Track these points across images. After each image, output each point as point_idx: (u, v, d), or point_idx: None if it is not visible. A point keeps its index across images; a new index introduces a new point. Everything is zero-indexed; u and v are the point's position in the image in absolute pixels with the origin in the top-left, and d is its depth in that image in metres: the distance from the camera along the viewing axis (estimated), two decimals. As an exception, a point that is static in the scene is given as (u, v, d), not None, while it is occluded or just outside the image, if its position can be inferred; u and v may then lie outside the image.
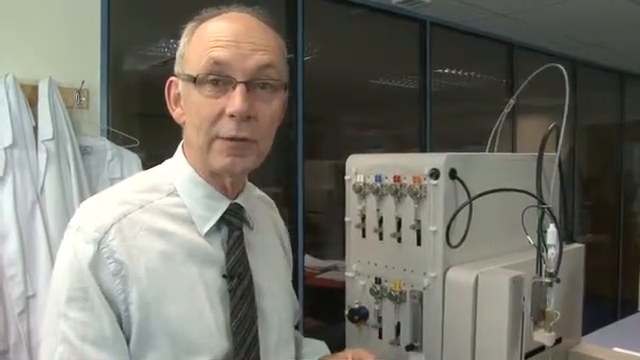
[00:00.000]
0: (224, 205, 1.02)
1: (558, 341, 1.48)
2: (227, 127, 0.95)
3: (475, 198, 1.21)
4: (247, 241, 1.05)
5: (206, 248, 0.99)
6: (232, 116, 0.94)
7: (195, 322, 0.96)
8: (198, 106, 0.95)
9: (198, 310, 0.96)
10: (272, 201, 1.21)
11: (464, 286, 1.23)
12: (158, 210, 0.97)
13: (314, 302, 3.27)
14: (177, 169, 1.03)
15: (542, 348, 1.30)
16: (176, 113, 1.02)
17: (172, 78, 1.01)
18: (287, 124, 3.08)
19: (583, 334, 2.37)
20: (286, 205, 3.16)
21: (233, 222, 1.03)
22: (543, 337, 1.19)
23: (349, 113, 3.97)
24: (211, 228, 1.00)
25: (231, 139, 0.95)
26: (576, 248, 1.56)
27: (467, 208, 1.26)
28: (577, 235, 5.18)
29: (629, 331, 2.22)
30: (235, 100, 0.93)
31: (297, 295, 3.04)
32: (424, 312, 1.32)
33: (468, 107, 4.43)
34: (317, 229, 3.70)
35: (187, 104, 0.98)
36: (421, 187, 1.30)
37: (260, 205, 1.14)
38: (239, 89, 0.94)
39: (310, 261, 3.47)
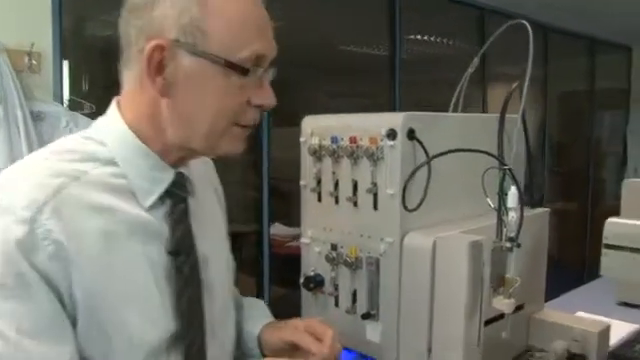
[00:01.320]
0: (169, 176, 0.95)
1: (520, 307, 1.44)
2: (251, 117, 0.93)
3: (433, 158, 1.15)
4: (191, 211, 0.99)
5: (149, 223, 0.92)
6: (260, 107, 0.91)
7: (141, 303, 0.90)
8: (223, 93, 0.89)
9: (144, 290, 0.90)
10: (208, 158, 1.15)
11: (421, 252, 1.18)
12: (95, 182, 0.89)
13: (283, 270, 3.23)
14: (114, 134, 0.93)
15: (502, 315, 1.25)
16: (157, 84, 0.88)
17: (159, 42, 0.86)
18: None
19: (550, 299, 2.37)
20: (254, 173, 3.10)
21: (177, 194, 0.96)
22: (502, 304, 1.14)
23: (320, 81, 3.89)
24: (155, 201, 0.93)
25: (249, 126, 0.93)
26: (540, 212, 1.52)
27: (425, 170, 1.20)
28: (547, 202, 5.21)
29: (593, 295, 2.20)
30: (269, 94, 0.92)
31: (262, 264, 3.01)
32: (381, 280, 1.27)
33: (440, 75, 4.37)
34: (288, 197, 3.65)
35: (198, 85, 0.88)
36: (378, 148, 1.23)
37: (197, 165, 1.06)
38: (267, 81, 0.92)
39: (280, 229, 3.43)
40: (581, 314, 2.03)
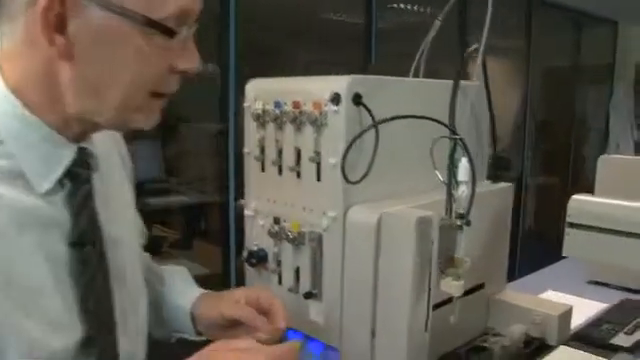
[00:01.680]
0: (69, 153, 0.80)
1: (479, 287, 1.36)
2: (173, 84, 0.80)
3: (379, 124, 1.05)
4: (95, 190, 0.85)
5: (45, 210, 0.78)
6: (185, 72, 0.78)
7: (40, 307, 0.77)
8: (141, 58, 0.75)
9: (42, 292, 0.77)
10: None
11: (365, 228, 1.08)
12: None
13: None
14: None
15: (448, 300, 1.17)
16: (57, 44, 0.73)
17: None
18: (217, 62, 2.89)
19: (524, 275, 2.31)
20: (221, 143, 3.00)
21: (80, 174, 0.82)
22: (450, 286, 1.05)
23: (298, 48, 3.76)
24: (52, 185, 0.79)
25: (167, 95, 0.79)
26: (503, 187, 1.42)
27: (372, 139, 1.09)
28: (528, 177, 5.15)
29: (565, 273, 2.15)
30: (195, 57, 0.78)
31: (228, 235, 2.88)
32: (324, 257, 1.17)
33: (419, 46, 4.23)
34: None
35: (111, 48, 0.74)
36: (321, 114, 1.12)
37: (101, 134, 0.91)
38: (192, 41, 0.79)
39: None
40: (550, 293, 1.98)
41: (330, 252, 1.15)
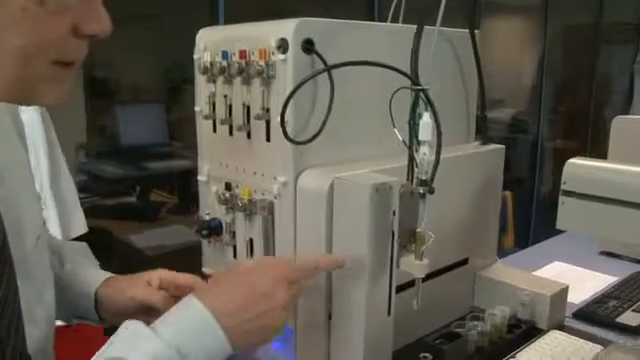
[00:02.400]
0: None
1: (464, 262, 1.21)
2: (81, 50, 0.65)
3: (331, 69, 0.88)
4: None
5: None
6: (92, 36, 0.63)
7: None
8: (34, 21, 0.61)
9: None
10: None
11: (316, 195, 0.93)
12: None
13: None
14: None
15: (428, 277, 1.02)
16: None
17: None
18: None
19: (536, 242, 2.15)
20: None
21: None
22: (412, 266, 0.90)
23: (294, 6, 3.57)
24: None
25: (75, 63, 0.65)
26: (493, 149, 1.26)
27: (327, 93, 0.94)
28: (546, 141, 4.94)
29: (575, 242, 1.99)
30: (103, 16, 0.63)
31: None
32: (276, 227, 1.02)
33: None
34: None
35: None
36: (268, 64, 0.96)
37: None
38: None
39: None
40: (556, 264, 1.84)
41: (282, 222, 1.01)
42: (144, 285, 0.96)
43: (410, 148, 0.86)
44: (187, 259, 1.24)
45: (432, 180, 0.85)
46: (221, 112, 1.09)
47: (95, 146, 4.07)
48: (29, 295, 0.80)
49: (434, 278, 1.13)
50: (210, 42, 1.10)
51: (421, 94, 0.83)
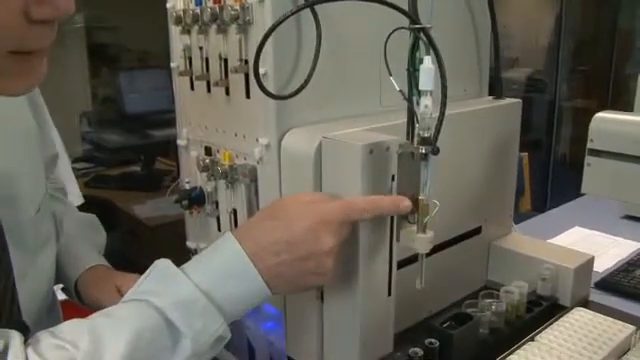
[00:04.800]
0: None
1: (477, 231, 1.08)
2: (36, 37, 0.54)
3: (310, 5, 0.74)
4: None
5: None
6: (48, 21, 0.53)
7: None
8: None
9: None
10: None
11: (302, 157, 0.80)
12: None
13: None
14: None
15: (434, 250, 0.89)
16: None
17: None
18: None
19: (554, 206, 2.02)
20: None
21: None
22: (413, 239, 0.76)
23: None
24: None
25: (37, 52, 0.55)
26: (508, 104, 1.11)
27: (312, 40, 0.80)
28: (563, 100, 4.76)
29: (596, 205, 1.85)
30: None
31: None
32: (260, 195, 0.90)
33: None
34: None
35: None
36: (244, 8, 0.82)
37: None
38: None
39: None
40: (577, 229, 1.72)
41: (267, 190, 0.88)
42: (111, 290, 0.92)
43: (409, 100, 0.72)
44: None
45: (436, 138, 0.71)
46: (197, 67, 0.96)
47: (99, 114, 3.97)
48: (23, 266, 0.77)
49: (443, 250, 1.00)
50: (183, -14, 0.96)
51: (421, 34, 0.68)
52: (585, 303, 1.07)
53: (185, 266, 0.68)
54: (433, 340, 0.81)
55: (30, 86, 0.58)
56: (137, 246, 2.69)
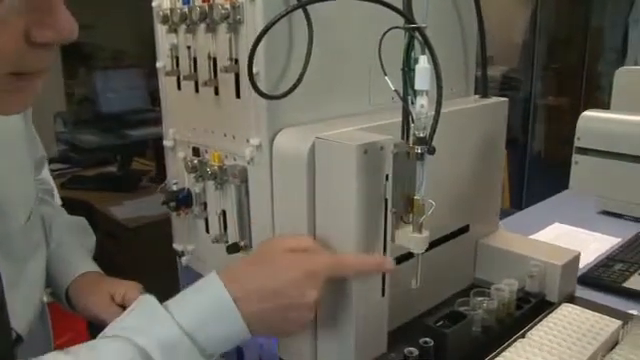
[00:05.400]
0: None
1: (464, 230, 1.08)
2: (36, 59, 0.52)
3: (303, 5, 0.74)
4: None
5: None
6: (49, 45, 0.51)
7: None
8: None
9: None
10: None
11: (295, 158, 0.79)
12: None
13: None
14: None
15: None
16: None
17: None
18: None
19: (530, 205, 2.04)
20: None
21: None
22: (409, 240, 0.76)
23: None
24: None
25: (34, 73, 0.53)
26: (495, 102, 1.12)
27: (304, 39, 0.79)
28: (539, 98, 4.81)
29: (574, 202, 1.87)
30: (61, 19, 0.50)
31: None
32: (251, 196, 0.89)
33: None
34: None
35: None
36: (234, 7, 0.82)
37: None
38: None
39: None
40: (557, 225, 1.73)
41: (258, 191, 0.87)
42: (106, 299, 0.92)
43: (404, 100, 0.72)
44: (167, 231, 1.12)
45: (432, 138, 0.71)
46: (185, 66, 0.95)
47: (74, 114, 3.91)
48: (9, 272, 0.76)
49: (431, 249, 1.00)
50: (169, -15, 0.95)
51: (417, 34, 0.68)
52: (571, 299, 1.08)
53: (170, 304, 0.67)
54: (428, 339, 0.81)
55: (26, 105, 0.58)
56: (117, 248, 2.65)
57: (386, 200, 0.77)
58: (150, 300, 0.67)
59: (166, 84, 1.02)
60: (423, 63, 0.68)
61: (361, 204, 0.75)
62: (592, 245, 1.57)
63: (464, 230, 1.10)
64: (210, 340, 0.66)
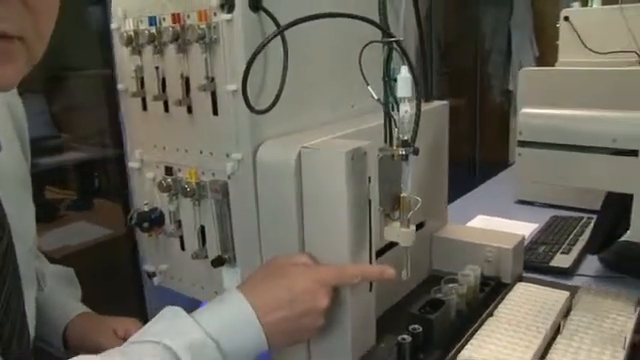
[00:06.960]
0: None
1: (420, 226, 1.15)
2: None
3: (285, 29, 0.79)
4: None
5: None
6: None
7: None
8: None
9: None
10: None
11: (282, 168, 0.83)
12: None
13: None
14: None
15: (386, 247, 0.98)
16: None
17: None
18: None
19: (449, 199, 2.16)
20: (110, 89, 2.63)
21: None
22: (397, 234, 0.83)
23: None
24: None
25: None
26: (438, 106, 1.21)
27: (278, 54, 0.84)
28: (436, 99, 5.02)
29: (491, 195, 2.12)
30: None
31: (129, 191, 2.58)
32: (232, 210, 0.92)
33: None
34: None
35: None
36: (210, 27, 0.85)
37: None
38: None
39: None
40: (481, 217, 1.85)
41: (240, 204, 0.90)
42: (110, 333, 0.95)
43: (386, 106, 0.78)
44: (97, 257, 1.13)
45: (414, 140, 0.78)
46: (152, 87, 0.97)
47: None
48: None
49: (393, 247, 1.07)
50: (131, 7, 0.96)
51: (395, 45, 0.75)
52: (521, 278, 1.18)
53: (193, 313, 0.71)
54: (416, 326, 0.87)
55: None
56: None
57: (370, 201, 0.83)
58: (175, 309, 0.70)
59: (129, 106, 1.03)
60: (405, 73, 0.74)
61: (351, 206, 0.80)
62: (515, 232, 1.71)
63: (420, 226, 1.17)
64: (232, 348, 0.69)
